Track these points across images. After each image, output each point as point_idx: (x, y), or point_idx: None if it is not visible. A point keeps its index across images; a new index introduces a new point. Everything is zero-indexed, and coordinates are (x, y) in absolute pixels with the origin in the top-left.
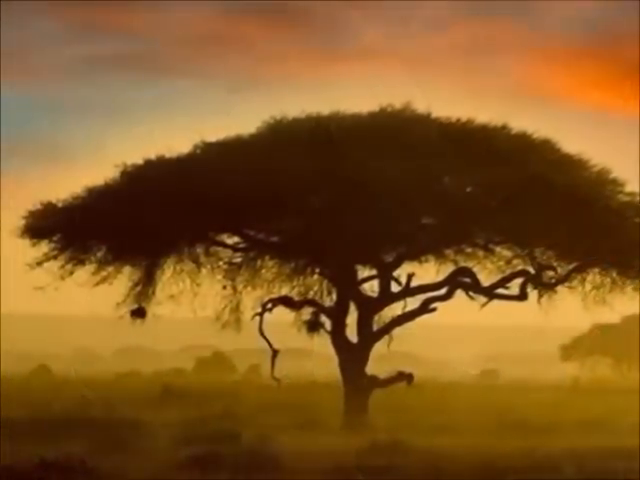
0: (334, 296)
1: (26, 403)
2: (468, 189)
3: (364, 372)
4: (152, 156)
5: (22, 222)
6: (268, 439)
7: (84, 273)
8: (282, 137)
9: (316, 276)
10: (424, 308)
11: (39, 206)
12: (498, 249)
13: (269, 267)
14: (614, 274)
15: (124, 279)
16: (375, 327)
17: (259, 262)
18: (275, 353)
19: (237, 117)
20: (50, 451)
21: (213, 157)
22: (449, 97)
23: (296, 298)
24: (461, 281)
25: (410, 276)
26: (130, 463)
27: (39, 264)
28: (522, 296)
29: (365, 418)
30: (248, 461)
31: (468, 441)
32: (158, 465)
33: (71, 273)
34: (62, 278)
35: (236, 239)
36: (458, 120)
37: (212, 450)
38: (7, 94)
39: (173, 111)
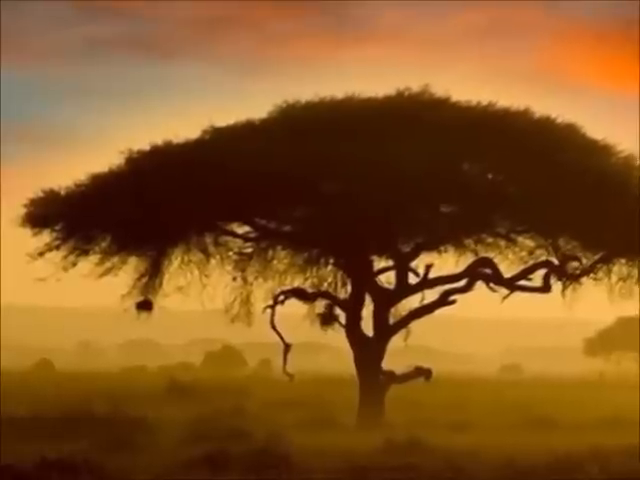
0: (349, 288)
1: (27, 399)
2: (489, 175)
3: (380, 367)
4: (158, 142)
5: (23, 211)
6: (280, 437)
7: (88, 264)
8: (295, 122)
9: (330, 267)
10: (443, 300)
11: (40, 194)
12: (520, 239)
13: (281, 257)
14: None
15: (129, 270)
16: (392, 320)
17: (270, 252)
18: (287, 347)
19: (247, 101)
20: (52, 450)
21: (222, 143)
22: (468, 80)
23: (309, 290)
24: (481, 272)
25: (428, 267)
26: (135, 462)
27: (41, 255)
28: (545, 288)
29: (381, 415)
30: (259, 460)
31: (488, 439)
32: (164, 464)
33: (74, 264)
34: (65, 269)
35: (246, 228)
36: (478, 104)
37: (221, 449)
38: (6, 78)
39: (180, 95)
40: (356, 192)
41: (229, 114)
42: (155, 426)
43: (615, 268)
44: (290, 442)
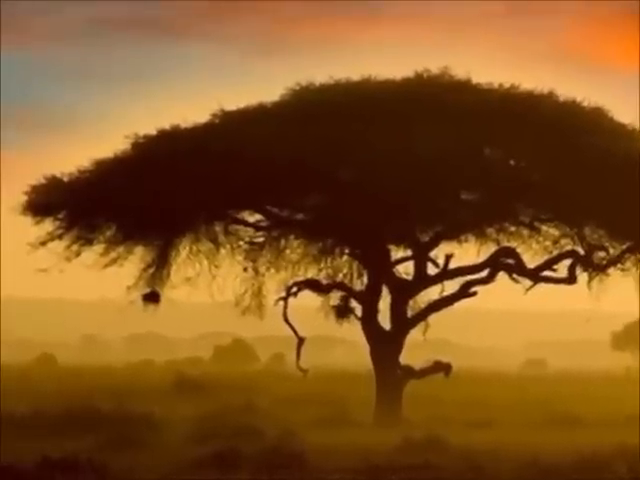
0: (365, 279)
1: (28, 395)
2: (511, 162)
3: (398, 362)
4: (166, 126)
5: (24, 198)
6: (292, 435)
7: (92, 254)
8: (308, 106)
9: (345, 257)
10: (463, 292)
11: (42, 180)
12: (544, 227)
13: (294, 247)
14: None
15: (135, 260)
16: (410, 313)
17: (283, 242)
18: (301, 341)
19: (259, 83)
20: (54, 448)
21: (233, 127)
22: (489, 62)
23: (324, 281)
24: (504, 262)
25: (448, 257)
26: (141, 461)
27: (43, 244)
28: (571, 279)
29: (398, 412)
30: (270, 460)
31: (510, 437)
32: (172, 463)
33: (78, 254)
34: (68, 259)
35: (258, 217)
36: (500, 86)
37: (231, 447)
38: (6, 60)
39: (189, 78)
40: (372, 179)
41: (240, 97)
42: (162, 423)
43: None
44: (303, 440)
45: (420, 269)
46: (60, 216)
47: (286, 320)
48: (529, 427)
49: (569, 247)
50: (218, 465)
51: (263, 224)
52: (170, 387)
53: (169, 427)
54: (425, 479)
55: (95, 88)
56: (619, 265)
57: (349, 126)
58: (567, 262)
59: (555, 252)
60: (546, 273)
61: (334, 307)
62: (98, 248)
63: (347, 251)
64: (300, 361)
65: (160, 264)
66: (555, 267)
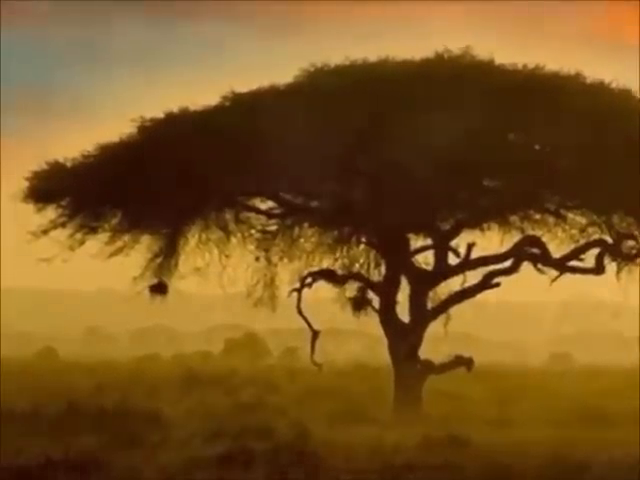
0: (383, 269)
1: (29, 391)
2: (536, 146)
3: (417, 356)
4: (174, 109)
5: (25, 185)
6: (306, 433)
7: (96, 243)
8: (323, 87)
9: (362, 246)
10: (486, 283)
11: (44, 166)
12: (571, 215)
13: (308, 236)
14: None
15: (142, 250)
16: (430, 305)
17: (297, 230)
18: (315, 334)
19: (271, 64)
20: (56, 447)
21: (244, 110)
22: (513, 42)
23: (339, 271)
24: (528, 252)
25: (470, 246)
26: (148, 460)
27: (44, 233)
28: (598, 269)
29: (418, 409)
30: (283, 458)
31: (536, 435)
32: (179, 462)
33: (81, 243)
34: (71, 249)
35: (270, 204)
36: (525, 67)
37: (242, 446)
38: (5, 41)
39: (196, 59)
40: (390, 164)
41: (251, 79)
42: (169, 421)
43: None
44: (317, 438)
45: (441, 259)
46: (63, 203)
47: (300, 312)
48: (554, 425)
49: (596, 236)
50: (228, 464)
51: (276, 211)
52: (178, 383)
53: (176, 424)
54: (446, 479)
55: (101, 72)
56: None
57: (366, 109)
58: (595, 251)
59: (582, 241)
60: (572, 263)
61: (350, 299)
62: (103, 237)
63: (364, 240)
64: (314, 355)
65: (168, 253)
66: (582, 257)
